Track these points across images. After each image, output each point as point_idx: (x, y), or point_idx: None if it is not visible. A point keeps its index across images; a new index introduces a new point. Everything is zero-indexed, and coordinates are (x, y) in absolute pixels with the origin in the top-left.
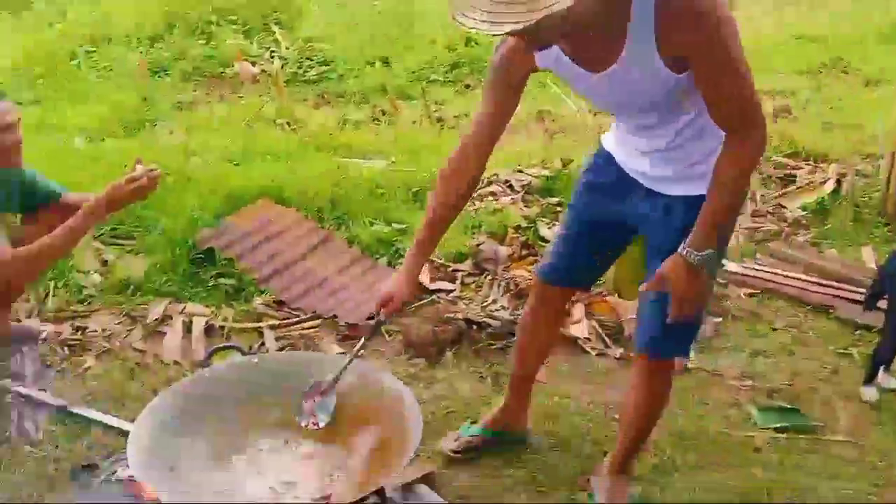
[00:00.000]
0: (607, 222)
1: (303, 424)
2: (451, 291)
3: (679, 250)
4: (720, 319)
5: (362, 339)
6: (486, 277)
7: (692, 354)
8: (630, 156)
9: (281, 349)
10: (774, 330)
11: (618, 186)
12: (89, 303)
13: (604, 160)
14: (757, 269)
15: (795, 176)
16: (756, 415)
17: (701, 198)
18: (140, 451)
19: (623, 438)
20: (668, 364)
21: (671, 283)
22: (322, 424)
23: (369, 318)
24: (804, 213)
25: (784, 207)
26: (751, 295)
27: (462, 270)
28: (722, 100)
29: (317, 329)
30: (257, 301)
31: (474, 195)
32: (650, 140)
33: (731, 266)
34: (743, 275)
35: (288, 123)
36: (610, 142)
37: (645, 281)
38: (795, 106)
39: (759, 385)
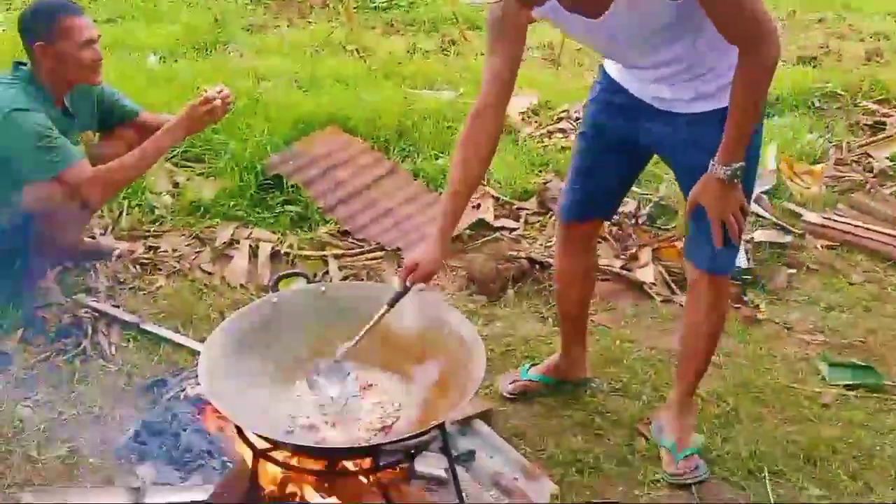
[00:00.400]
0: (621, 146)
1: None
2: (515, 230)
3: (708, 170)
4: (794, 271)
5: (384, 307)
6: (550, 217)
7: (763, 305)
8: (639, 83)
9: (344, 278)
10: (852, 284)
11: (629, 108)
12: (161, 223)
13: (609, 83)
14: (837, 221)
15: (885, 123)
16: (826, 370)
17: (725, 111)
18: (210, 372)
19: (684, 368)
20: (727, 280)
21: (706, 204)
22: (334, 395)
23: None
24: (892, 163)
25: (871, 157)
26: (829, 247)
27: (526, 209)
28: (727, 20)
29: (380, 260)
30: (322, 230)
31: (543, 130)
32: (660, 69)
33: (809, 216)
34: (822, 226)
35: (357, 50)
36: (613, 70)
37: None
38: (887, 49)
39: (831, 340)
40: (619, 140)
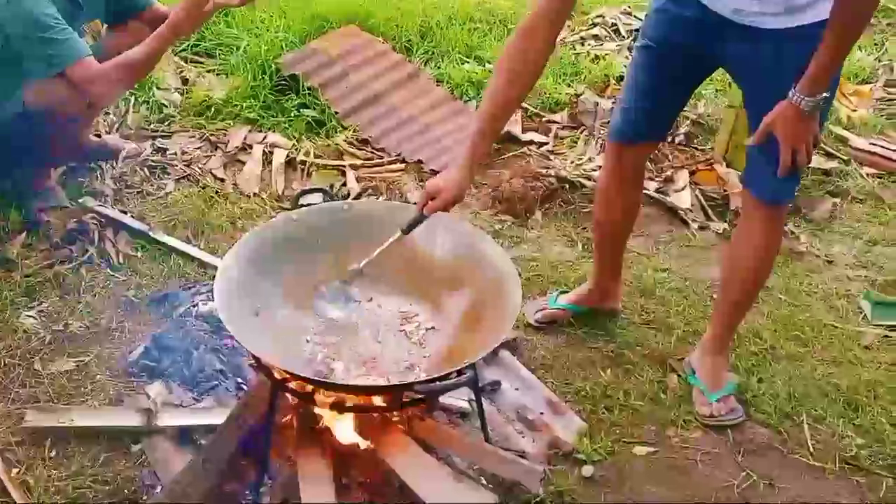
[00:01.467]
0: (688, 63)
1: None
2: (544, 145)
3: (789, 97)
4: (838, 200)
5: (398, 233)
6: (582, 132)
7: (803, 237)
8: None
9: (362, 191)
10: None
11: (702, 21)
12: (169, 123)
13: None
14: (885, 148)
15: None
16: (869, 309)
17: (813, 27)
18: (226, 292)
19: (726, 304)
20: (785, 212)
21: (780, 133)
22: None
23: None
24: None
25: None
26: (875, 175)
27: (556, 122)
28: None
29: (400, 173)
30: (339, 137)
31: (575, 37)
32: None
33: (856, 141)
34: (868, 152)
35: None
36: None
37: (750, 127)
38: None
39: (874, 276)
40: (685, 57)
